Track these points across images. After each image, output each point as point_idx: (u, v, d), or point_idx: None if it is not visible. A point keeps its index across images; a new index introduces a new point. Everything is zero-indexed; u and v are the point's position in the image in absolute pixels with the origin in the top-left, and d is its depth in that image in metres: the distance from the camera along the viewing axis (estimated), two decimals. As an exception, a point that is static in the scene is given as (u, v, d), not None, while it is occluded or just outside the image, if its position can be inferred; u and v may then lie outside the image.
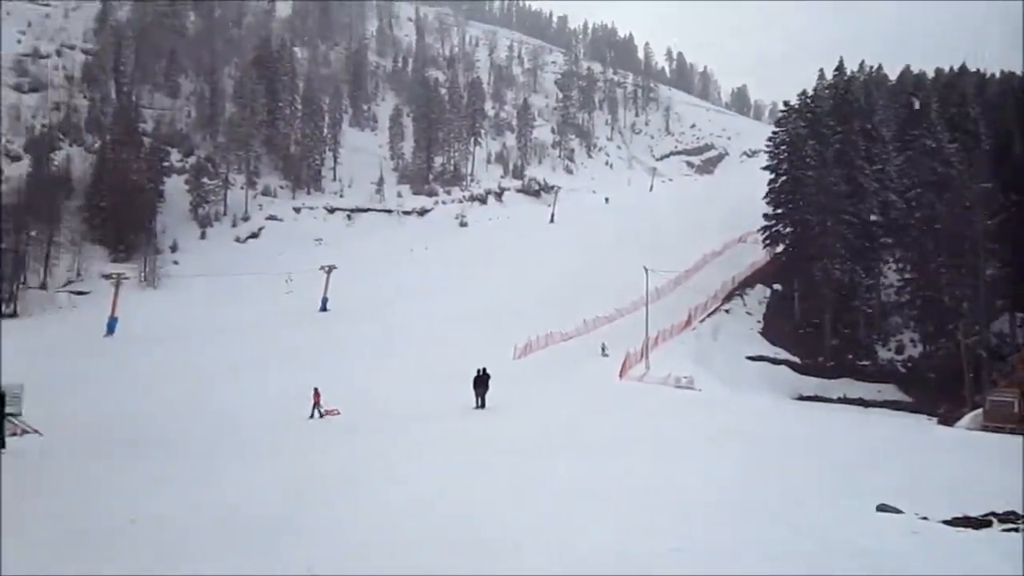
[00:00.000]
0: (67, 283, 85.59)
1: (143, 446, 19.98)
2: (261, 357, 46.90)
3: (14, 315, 76.99)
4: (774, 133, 77.42)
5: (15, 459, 16.60)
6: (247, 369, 43.14)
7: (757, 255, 72.26)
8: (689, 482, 13.87)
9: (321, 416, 30.03)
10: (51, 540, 9.30)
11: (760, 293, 67.37)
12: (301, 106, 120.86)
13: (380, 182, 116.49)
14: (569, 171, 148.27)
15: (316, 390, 30.86)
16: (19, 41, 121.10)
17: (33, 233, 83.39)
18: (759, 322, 63.81)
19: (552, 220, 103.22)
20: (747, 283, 68.10)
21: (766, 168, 75.36)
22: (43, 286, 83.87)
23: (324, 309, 66.28)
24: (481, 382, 30.34)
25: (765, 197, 72.48)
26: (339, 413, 30.19)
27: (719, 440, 20.90)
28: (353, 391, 34.74)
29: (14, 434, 19.40)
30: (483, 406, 30.00)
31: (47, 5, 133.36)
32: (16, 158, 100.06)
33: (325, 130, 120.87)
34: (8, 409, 18.38)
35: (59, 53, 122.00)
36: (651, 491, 12.71)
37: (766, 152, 78.47)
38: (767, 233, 71.31)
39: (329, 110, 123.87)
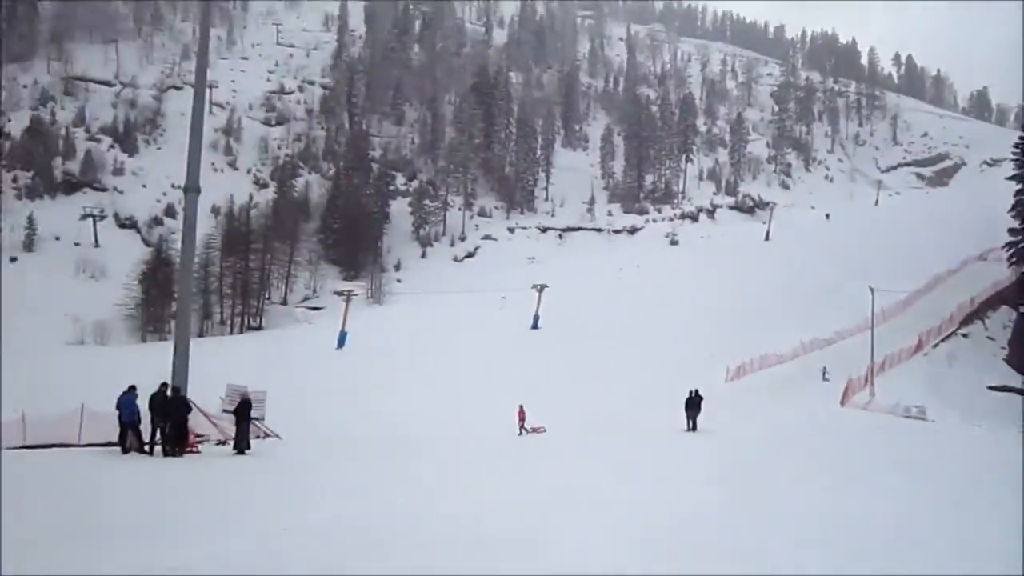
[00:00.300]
0: (304, 299, 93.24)
1: (374, 450, 21.18)
2: (476, 371, 48.57)
3: (259, 328, 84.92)
4: (1021, 139, 70.12)
5: (258, 460, 18.02)
6: (463, 382, 44.83)
7: (1001, 274, 65.44)
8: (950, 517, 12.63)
9: (527, 433, 30.48)
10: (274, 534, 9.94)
11: (1004, 316, 61.07)
12: (515, 129, 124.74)
13: (591, 201, 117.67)
14: (785, 186, 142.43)
15: (521, 408, 31.32)
16: (268, 79, 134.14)
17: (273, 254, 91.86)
18: (1003, 348, 57.85)
19: (767, 237, 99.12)
20: (989, 305, 61.86)
21: (1012, 178, 68.33)
22: (284, 302, 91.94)
23: (535, 327, 67.56)
24: (693, 404, 29.60)
25: (1012, 210, 65.66)
26: (545, 431, 30.49)
27: (974, 478, 18.99)
28: (563, 408, 35.07)
29: (258, 437, 21.23)
30: (694, 429, 29.27)
31: (291, 46, 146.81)
32: (264, 185, 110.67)
33: (538, 151, 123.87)
34: (253, 414, 20.21)
35: (301, 89, 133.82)
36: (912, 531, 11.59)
37: (1012, 160, 71.14)
38: (1013, 250, 64.51)
39: (542, 132, 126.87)
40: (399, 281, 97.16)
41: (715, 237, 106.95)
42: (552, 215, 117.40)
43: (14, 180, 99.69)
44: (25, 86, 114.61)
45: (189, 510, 11.27)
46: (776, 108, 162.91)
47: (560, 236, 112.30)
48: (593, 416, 34.16)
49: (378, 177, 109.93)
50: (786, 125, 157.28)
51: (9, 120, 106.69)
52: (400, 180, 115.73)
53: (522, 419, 31.06)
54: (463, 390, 42.72)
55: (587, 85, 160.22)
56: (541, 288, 70.49)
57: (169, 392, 17.30)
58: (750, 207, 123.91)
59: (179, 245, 74.69)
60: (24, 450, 18.03)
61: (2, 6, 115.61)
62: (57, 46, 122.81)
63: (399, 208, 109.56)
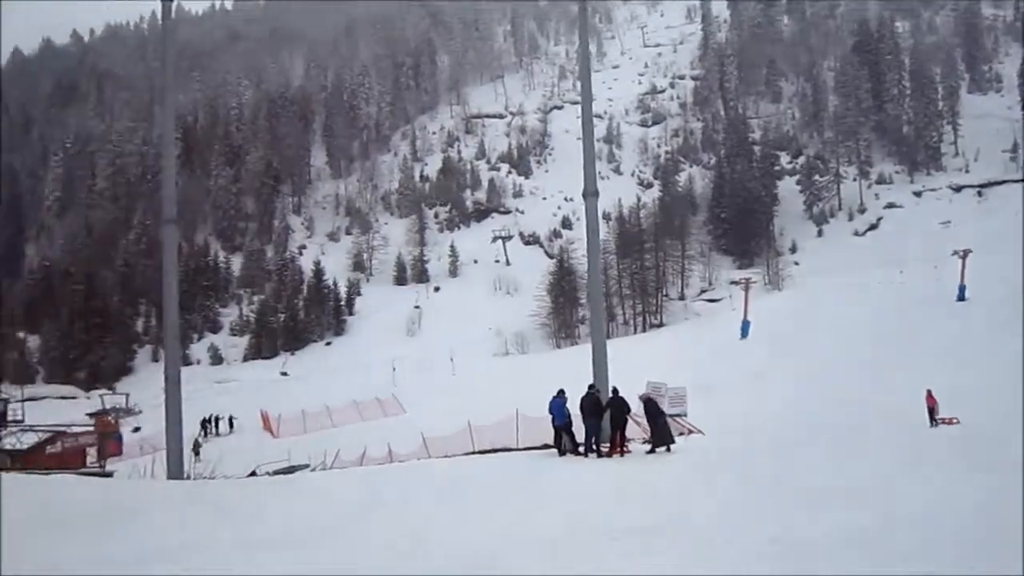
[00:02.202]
0: (701, 292, 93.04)
1: (805, 448, 19.83)
2: (889, 355, 43.91)
3: (660, 325, 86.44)
4: None
5: (684, 456, 17.69)
6: (875, 369, 40.71)
7: None
8: None
9: (936, 425, 25.93)
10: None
11: None
12: (909, 83, 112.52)
13: (1014, 149, 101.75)
14: None
15: (929, 392, 26.80)
16: (639, 82, 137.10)
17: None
18: None
19: None
20: None
21: None
22: (681, 297, 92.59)
23: (962, 299, 59.81)
24: None
25: None
26: (958, 422, 25.42)
27: None
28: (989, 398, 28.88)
29: (681, 434, 21.05)
30: None
31: (658, 46, 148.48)
32: (648, 185, 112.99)
33: (939, 103, 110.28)
34: (676, 410, 20.18)
35: (672, 85, 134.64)
36: None
37: None
38: None
39: (942, 80, 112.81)
40: (796, 264, 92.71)
41: None
42: (966, 171, 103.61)
43: (435, 215, 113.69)
44: (434, 132, 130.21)
45: (662, 515, 10.97)
46: None
47: (979, 194, 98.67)
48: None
49: (761, 160, 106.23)
50: None
51: (426, 164, 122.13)
52: (785, 159, 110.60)
53: (932, 407, 26.49)
54: (874, 376, 38.73)
55: (991, 17, 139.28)
56: (964, 254, 62.24)
57: (609, 394, 17.82)
58: None
59: (579, 254, 78.97)
60: (475, 455, 19.73)
61: (404, 66, 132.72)
62: (456, 92, 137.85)
63: (787, 188, 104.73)
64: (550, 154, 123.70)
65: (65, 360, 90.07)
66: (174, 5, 20.87)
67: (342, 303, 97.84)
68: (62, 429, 33.92)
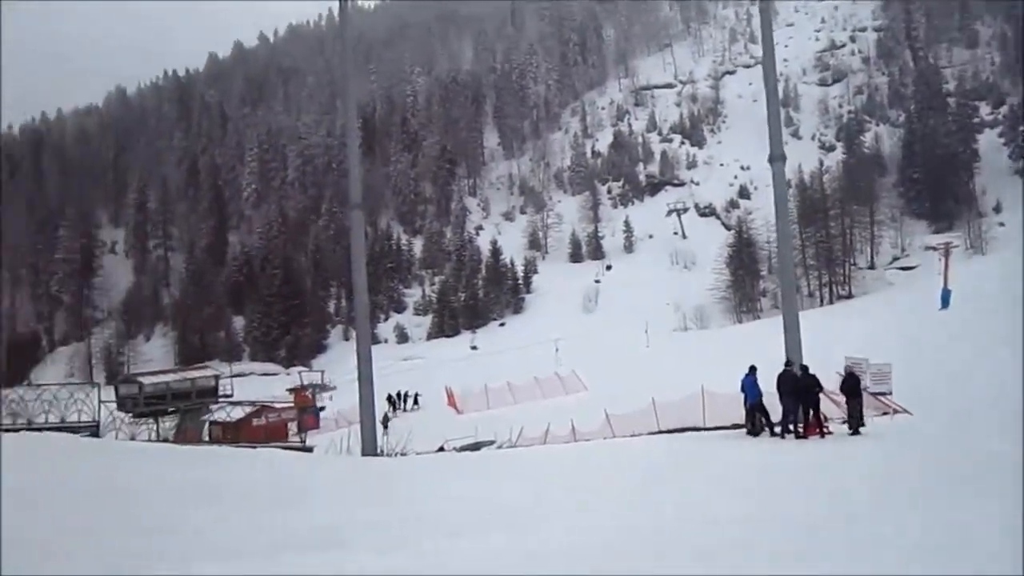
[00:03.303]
0: (892, 260, 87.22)
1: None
2: None
3: (849, 296, 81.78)
4: None
5: (888, 439, 16.42)
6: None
7: None
8: None
9: None
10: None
11: None
12: None
13: None
14: None
15: None
16: (816, 39, 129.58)
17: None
18: None
19: None
20: None
21: None
22: (871, 265, 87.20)
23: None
24: None
25: None
26: None
27: None
28: None
29: (885, 414, 19.63)
30: None
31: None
32: (830, 148, 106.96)
33: None
34: (879, 388, 18.74)
35: (852, 39, 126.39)
36: None
37: None
38: None
39: None
40: (1001, 225, 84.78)
41: None
42: None
43: (608, 191, 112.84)
44: (603, 107, 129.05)
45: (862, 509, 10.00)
46: None
47: None
48: None
49: (957, 112, 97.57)
50: None
51: (596, 139, 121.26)
52: (984, 110, 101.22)
53: None
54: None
55: None
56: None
57: (798, 371, 16.71)
58: None
59: (757, 224, 75.95)
60: (661, 435, 19.24)
61: (570, 42, 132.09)
62: (623, 65, 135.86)
63: (989, 142, 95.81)
64: (723, 122, 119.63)
65: (267, 339, 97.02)
66: (348, 3, 21.52)
67: (519, 281, 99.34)
68: (266, 403, 36.39)
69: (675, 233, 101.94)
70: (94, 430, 16.56)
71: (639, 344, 64.76)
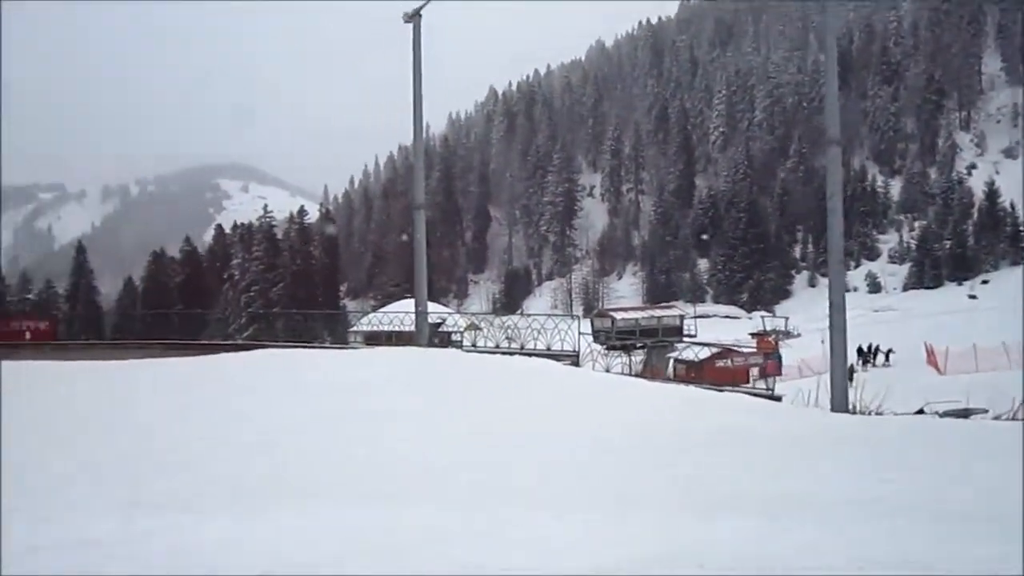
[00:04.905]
0: None
1: None
2: None
3: None
4: None
5: None
6: None
7: None
8: None
9: None
10: None
11: None
12: None
13: None
14: None
15: None
16: None
17: None
18: None
19: None
20: None
21: None
22: None
23: None
24: None
25: None
26: None
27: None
28: None
29: None
30: None
31: None
32: None
33: None
34: None
35: None
36: None
37: None
38: None
39: None
40: None
41: None
42: None
43: None
44: None
45: None
46: None
47: None
48: None
49: None
50: None
51: None
52: None
53: None
54: None
55: None
56: None
57: None
58: None
59: None
60: None
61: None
62: None
63: None
64: None
65: (730, 282, 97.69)
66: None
67: (1021, 229, 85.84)
68: (730, 346, 36.59)
69: None
70: (575, 359, 18.01)
71: None
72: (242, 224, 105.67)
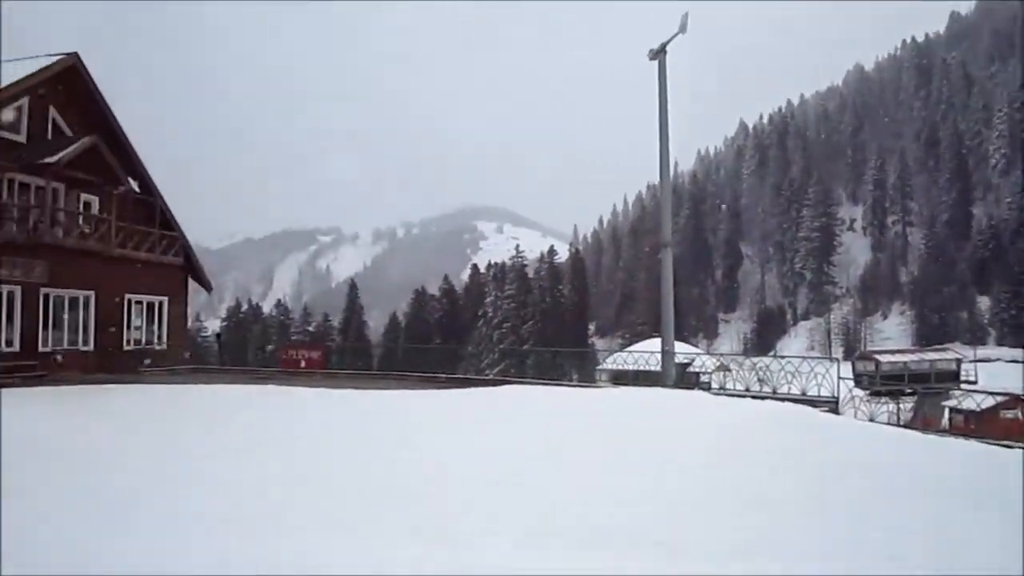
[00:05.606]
0: None
1: None
2: None
3: None
4: None
5: None
6: None
7: None
8: None
9: None
10: None
11: None
12: None
13: None
14: None
15: None
16: None
17: None
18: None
19: None
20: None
21: None
22: None
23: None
24: None
25: None
26: None
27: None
28: None
29: None
30: None
31: None
32: None
33: None
34: None
35: None
36: None
37: None
38: None
39: None
40: None
41: None
42: None
43: None
44: None
45: None
46: None
47: None
48: None
49: None
50: None
51: None
52: None
53: None
54: None
55: None
56: None
57: None
58: None
59: None
60: None
61: None
62: None
63: None
64: None
65: (1016, 322, 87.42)
66: None
67: None
68: (1020, 395, 32.76)
69: None
70: (833, 406, 16.95)
71: None
72: (496, 264, 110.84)
